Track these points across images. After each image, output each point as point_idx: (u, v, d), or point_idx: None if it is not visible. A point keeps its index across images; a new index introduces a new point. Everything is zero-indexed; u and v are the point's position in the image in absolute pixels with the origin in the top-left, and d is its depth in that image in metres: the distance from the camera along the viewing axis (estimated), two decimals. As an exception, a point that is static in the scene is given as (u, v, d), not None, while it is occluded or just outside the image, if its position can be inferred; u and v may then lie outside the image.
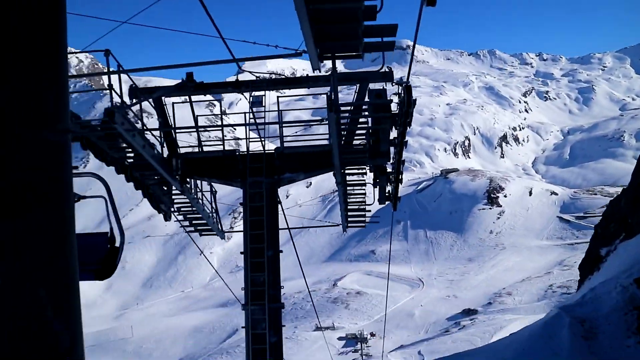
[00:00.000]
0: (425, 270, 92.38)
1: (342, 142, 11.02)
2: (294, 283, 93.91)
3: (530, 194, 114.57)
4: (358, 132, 11.33)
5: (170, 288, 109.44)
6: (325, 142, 12.06)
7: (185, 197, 13.00)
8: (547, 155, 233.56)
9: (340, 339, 69.66)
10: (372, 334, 69.48)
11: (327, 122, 9.62)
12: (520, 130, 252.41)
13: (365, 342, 65.80)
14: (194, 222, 15.48)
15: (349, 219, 16.01)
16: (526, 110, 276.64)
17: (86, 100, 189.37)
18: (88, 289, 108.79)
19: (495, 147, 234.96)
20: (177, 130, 11.89)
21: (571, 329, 13.27)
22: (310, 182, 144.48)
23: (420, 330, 67.11)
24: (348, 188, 13.94)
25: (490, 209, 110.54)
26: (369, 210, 15.61)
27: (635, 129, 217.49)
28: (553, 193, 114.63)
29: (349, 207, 15.14)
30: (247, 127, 12.71)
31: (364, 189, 14.27)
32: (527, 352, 13.50)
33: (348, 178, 13.25)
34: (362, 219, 16.12)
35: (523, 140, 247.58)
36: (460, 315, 69.37)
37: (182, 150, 12.49)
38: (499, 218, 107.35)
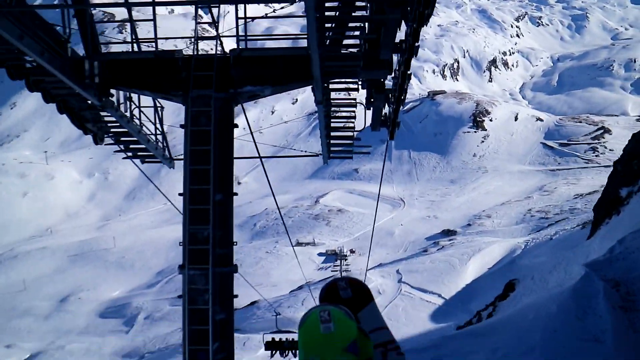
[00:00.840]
0: (407, 191, 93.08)
1: (327, 42, 7.85)
2: (277, 198, 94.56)
3: (516, 119, 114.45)
4: (349, 27, 7.83)
5: (152, 200, 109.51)
6: (303, 42, 8.19)
7: (109, 113, 9.80)
8: (535, 81, 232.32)
9: (320, 254, 70.68)
10: (352, 251, 70.52)
11: (304, 11, 6.42)
12: (510, 55, 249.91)
13: (344, 258, 66.85)
14: (131, 146, 11.99)
15: (332, 148, 12.93)
16: (517, 35, 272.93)
17: None
18: (71, 199, 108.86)
19: (484, 71, 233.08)
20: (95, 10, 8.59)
21: (608, 299, 10.38)
22: (297, 99, 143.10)
23: (399, 248, 68.17)
24: (332, 108, 10.95)
25: (475, 132, 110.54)
26: (358, 138, 12.72)
27: (626, 59, 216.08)
28: (538, 119, 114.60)
29: (332, 133, 12.05)
30: (196, 19, 9.96)
31: (353, 111, 11.28)
32: (559, 334, 10.24)
33: (333, 95, 10.22)
34: (349, 148, 12.86)
35: (512, 66, 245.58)
36: (440, 236, 70.37)
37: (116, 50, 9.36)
38: (483, 142, 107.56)
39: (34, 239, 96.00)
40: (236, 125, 8.65)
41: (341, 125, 11.79)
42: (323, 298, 3.82)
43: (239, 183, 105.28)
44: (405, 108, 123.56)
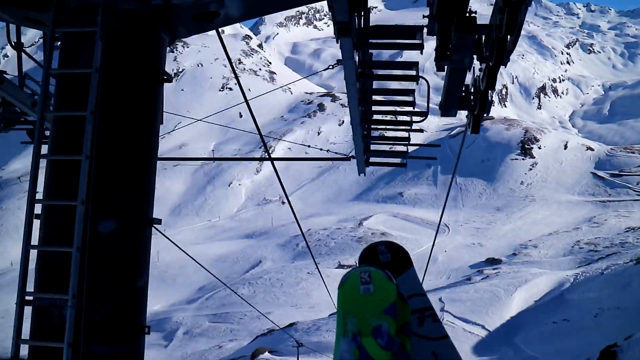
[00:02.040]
0: (452, 217, 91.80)
1: None
2: (319, 219, 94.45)
3: (566, 147, 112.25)
4: None
5: (197, 217, 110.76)
6: None
7: None
8: (586, 109, 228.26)
9: (361, 278, 69.98)
10: (394, 276, 69.68)
11: None
12: (560, 82, 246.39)
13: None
14: None
15: (373, 152, 8.37)
16: (568, 62, 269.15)
17: None
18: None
19: (533, 98, 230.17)
20: None
21: None
22: (343, 120, 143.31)
23: (442, 275, 67.05)
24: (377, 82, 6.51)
25: (523, 159, 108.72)
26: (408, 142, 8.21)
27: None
28: (589, 148, 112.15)
29: (377, 127, 7.72)
30: None
31: (411, 94, 6.59)
32: None
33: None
34: (403, 149, 8.44)
35: (562, 93, 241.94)
36: (484, 264, 69.03)
37: None
38: (531, 169, 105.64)
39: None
40: (168, 79, 4.39)
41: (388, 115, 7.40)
42: (362, 261, 3.73)
43: (282, 203, 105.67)
44: (452, 133, 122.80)
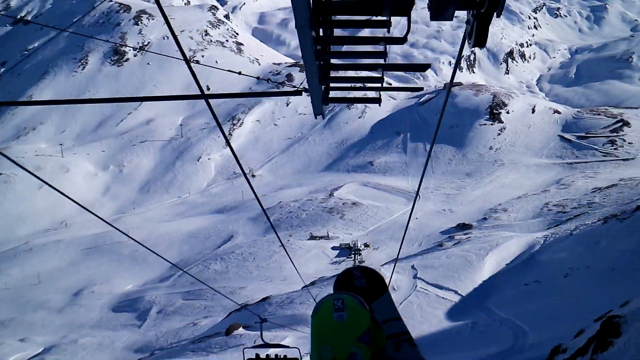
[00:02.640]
0: (423, 184, 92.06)
1: None
2: (290, 191, 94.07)
3: (533, 111, 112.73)
4: None
5: (167, 193, 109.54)
6: None
7: None
8: (553, 73, 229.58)
9: (333, 248, 70.01)
10: (366, 245, 69.81)
11: None
12: (527, 47, 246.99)
13: (358, 253, 66.18)
14: None
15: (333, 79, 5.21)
16: (535, 27, 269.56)
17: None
18: (86, 192, 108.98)
19: (501, 63, 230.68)
20: None
21: None
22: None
23: (414, 242, 67.28)
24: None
25: (492, 124, 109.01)
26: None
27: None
28: (556, 112, 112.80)
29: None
30: None
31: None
32: None
33: None
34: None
35: (529, 58, 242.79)
36: (455, 230, 69.35)
37: None
38: (499, 134, 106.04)
39: (49, 232, 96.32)
40: None
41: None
42: (337, 287, 3.74)
43: (253, 176, 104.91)
44: (420, 100, 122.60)
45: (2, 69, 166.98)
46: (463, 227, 69.85)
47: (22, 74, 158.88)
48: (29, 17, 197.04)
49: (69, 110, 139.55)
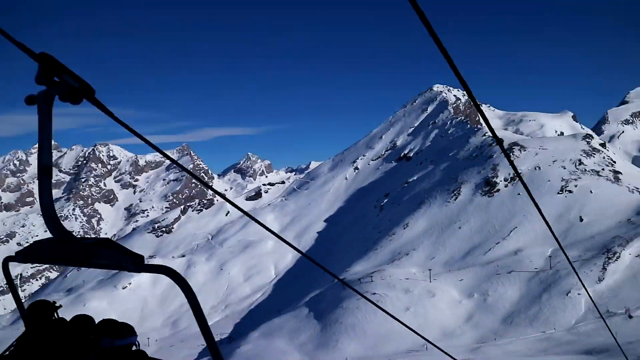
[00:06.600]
0: None
1: None
2: None
3: None
4: None
5: (530, 327, 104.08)
6: None
7: None
8: None
9: None
10: None
11: None
12: None
13: None
14: None
15: None
16: None
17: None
18: (449, 318, 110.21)
19: None
20: None
21: None
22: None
23: None
24: None
25: None
26: None
27: None
28: None
29: None
30: None
31: None
32: None
33: None
34: None
35: None
36: None
37: None
38: None
39: (411, 353, 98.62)
40: None
41: None
42: None
43: (630, 317, 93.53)
44: None
45: (385, 200, 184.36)
46: None
47: (402, 204, 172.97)
48: (411, 154, 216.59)
49: (440, 238, 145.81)
